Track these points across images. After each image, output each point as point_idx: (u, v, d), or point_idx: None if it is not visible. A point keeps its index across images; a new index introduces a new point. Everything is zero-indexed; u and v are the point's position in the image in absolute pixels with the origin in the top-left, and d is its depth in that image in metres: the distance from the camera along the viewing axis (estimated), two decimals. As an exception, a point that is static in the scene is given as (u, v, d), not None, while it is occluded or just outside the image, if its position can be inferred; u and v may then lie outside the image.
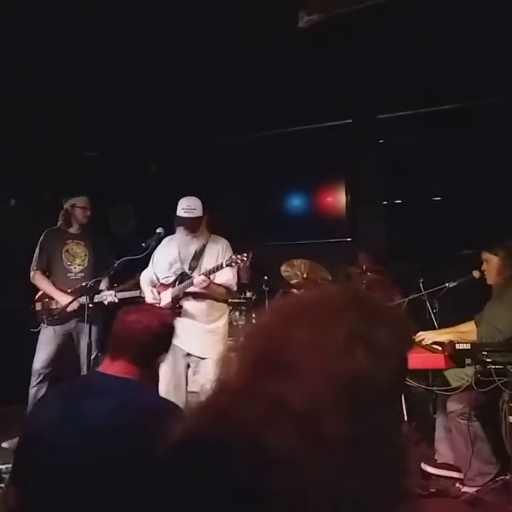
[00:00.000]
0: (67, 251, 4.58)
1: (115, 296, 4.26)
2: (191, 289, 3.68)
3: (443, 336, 3.48)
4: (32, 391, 4.32)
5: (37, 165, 5.42)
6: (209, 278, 3.56)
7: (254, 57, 4.52)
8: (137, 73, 4.82)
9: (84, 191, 6.24)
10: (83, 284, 4.32)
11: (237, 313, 5.47)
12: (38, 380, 4.35)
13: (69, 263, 4.56)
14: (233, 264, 3.51)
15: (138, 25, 3.99)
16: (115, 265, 3.83)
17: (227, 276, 3.73)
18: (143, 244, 3.82)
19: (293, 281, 5.46)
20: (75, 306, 4.22)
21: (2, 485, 2.98)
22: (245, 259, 3.49)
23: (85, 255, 4.61)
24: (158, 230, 3.84)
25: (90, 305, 3.90)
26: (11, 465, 3.06)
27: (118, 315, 1.87)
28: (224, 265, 3.54)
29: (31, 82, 4.73)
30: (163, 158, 7.01)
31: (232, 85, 5.12)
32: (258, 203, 6.79)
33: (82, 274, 4.54)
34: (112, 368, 1.76)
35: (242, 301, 5.34)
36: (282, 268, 5.47)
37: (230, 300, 5.14)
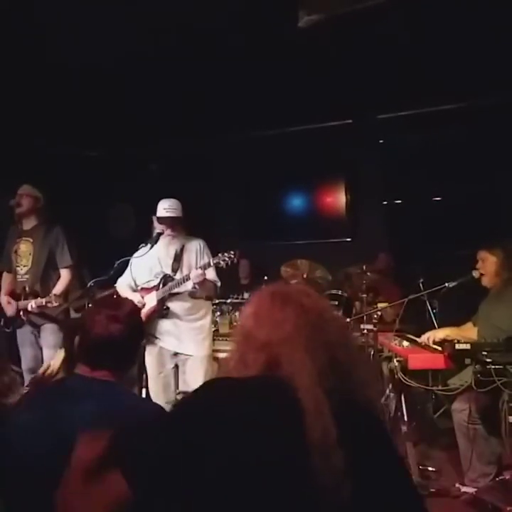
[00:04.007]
0: (15, 251, 4.26)
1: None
2: (187, 285, 3.72)
3: (440, 333, 3.48)
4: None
5: (37, 165, 5.42)
6: (205, 272, 3.62)
7: (254, 57, 4.51)
8: (137, 73, 4.82)
9: (85, 191, 6.27)
10: (26, 287, 4.11)
11: (236, 314, 5.47)
12: (26, 385, 4.23)
13: (17, 264, 4.25)
14: (221, 262, 3.56)
15: (138, 25, 3.99)
16: (115, 265, 3.82)
17: (212, 274, 3.78)
18: (143, 245, 3.84)
19: (293, 281, 5.46)
20: (12, 311, 4.12)
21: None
22: (233, 256, 3.53)
23: (30, 254, 4.21)
24: (157, 230, 3.87)
25: (90, 305, 3.89)
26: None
27: (87, 323, 1.78)
28: (212, 263, 3.60)
29: (31, 82, 4.73)
30: (162, 158, 7.02)
31: (232, 85, 5.12)
32: (258, 203, 6.80)
33: (27, 276, 4.20)
34: (93, 373, 1.72)
35: (241, 301, 5.34)
36: (282, 268, 5.47)
37: (229, 300, 5.17)
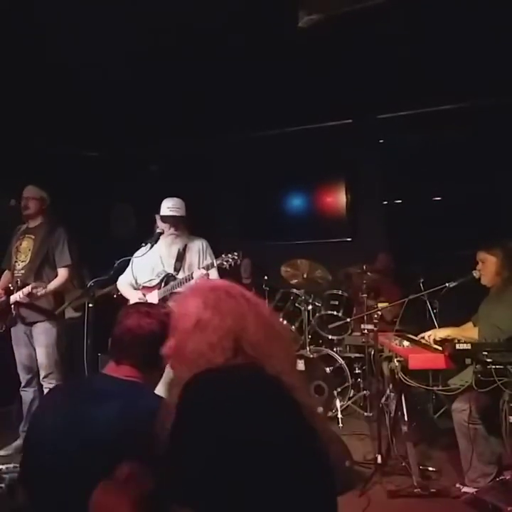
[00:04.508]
0: (16, 247, 4.29)
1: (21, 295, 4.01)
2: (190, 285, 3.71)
3: (441, 332, 3.48)
4: (21, 394, 4.27)
5: (37, 165, 5.42)
6: (208, 272, 3.62)
7: (254, 57, 4.51)
8: (137, 73, 4.81)
9: (85, 191, 6.27)
10: (18, 281, 4.11)
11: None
12: (23, 385, 4.25)
13: (15, 260, 4.27)
14: (224, 263, 3.55)
15: (138, 25, 3.98)
16: (115, 265, 3.82)
17: (215, 275, 3.78)
18: (143, 244, 3.84)
19: (293, 281, 5.46)
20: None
21: (2, 485, 2.97)
22: (236, 258, 3.53)
23: (29, 250, 4.24)
24: (158, 230, 3.87)
25: (91, 305, 3.89)
26: (10, 465, 3.06)
27: (119, 317, 1.81)
28: (215, 264, 3.59)
29: (31, 82, 4.72)
30: (163, 158, 7.01)
31: (232, 85, 5.12)
32: (258, 203, 6.79)
33: (23, 271, 4.20)
34: (118, 370, 1.73)
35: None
36: (282, 268, 5.47)
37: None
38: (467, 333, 3.45)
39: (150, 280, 3.89)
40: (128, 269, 3.91)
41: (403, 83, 4.95)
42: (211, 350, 1.32)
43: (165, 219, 3.82)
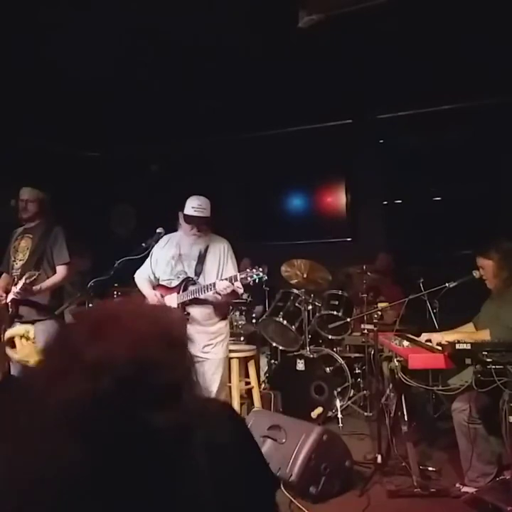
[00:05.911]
0: (14, 247, 4.24)
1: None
2: (208, 294, 3.63)
3: (449, 336, 3.46)
4: None
5: (37, 165, 5.42)
6: (232, 284, 3.53)
7: (254, 57, 4.52)
8: (137, 73, 4.82)
9: (85, 191, 6.28)
10: (15, 278, 4.04)
11: (237, 313, 5.47)
12: None
13: (13, 259, 4.21)
14: (249, 278, 3.45)
15: (139, 26, 3.99)
16: (115, 265, 3.80)
17: (237, 283, 3.71)
18: (143, 244, 3.81)
19: (293, 281, 5.46)
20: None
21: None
22: (261, 274, 3.42)
23: (27, 248, 4.19)
24: (158, 230, 3.83)
25: (91, 305, 3.88)
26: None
27: None
28: (239, 278, 3.49)
29: (31, 83, 4.73)
30: (163, 158, 7.02)
31: (232, 85, 5.12)
32: (258, 202, 6.80)
33: (20, 270, 4.12)
34: None
35: (241, 301, 5.34)
36: (282, 268, 5.47)
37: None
38: (476, 337, 3.42)
39: (169, 280, 3.79)
40: (146, 263, 3.83)
41: (403, 83, 4.95)
42: None
43: (188, 219, 3.67)
